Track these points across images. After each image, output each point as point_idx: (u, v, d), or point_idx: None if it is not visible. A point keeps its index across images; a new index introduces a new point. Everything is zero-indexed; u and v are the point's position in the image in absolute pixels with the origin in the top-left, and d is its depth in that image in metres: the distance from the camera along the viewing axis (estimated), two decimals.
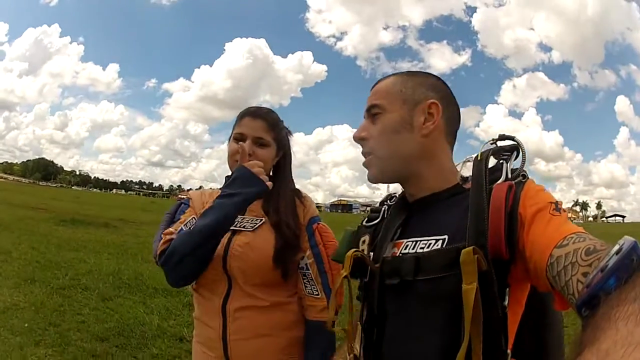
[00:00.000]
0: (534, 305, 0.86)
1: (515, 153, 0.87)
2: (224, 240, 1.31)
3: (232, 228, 1.33)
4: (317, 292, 1.35)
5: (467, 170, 0.95)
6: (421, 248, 0.88)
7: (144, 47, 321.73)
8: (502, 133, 0.92)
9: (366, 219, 1.10)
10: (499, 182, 0.82)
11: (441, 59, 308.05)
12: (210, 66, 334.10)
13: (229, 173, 1.38)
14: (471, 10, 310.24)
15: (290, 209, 1.39)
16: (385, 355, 0.91)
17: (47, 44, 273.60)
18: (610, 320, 0.39)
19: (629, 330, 0.36)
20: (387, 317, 0.92)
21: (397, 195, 1.07)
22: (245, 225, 1.36)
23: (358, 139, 1.00)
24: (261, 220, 1.36)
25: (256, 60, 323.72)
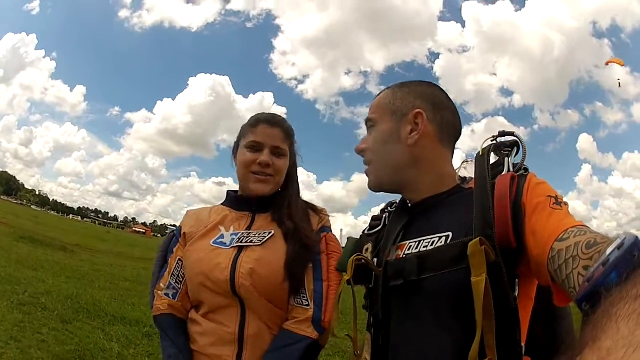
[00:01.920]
0: (543, 299, 0.78)
1: (515, 149, 0.83)
2: (230, 259, 1.14)
3: (238, 244, 1.17)
4: (307, 302, 1.14)
5: (466, 172, 0.92)
6: (425, 247, 0.83)
7: (112, 73, 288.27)
8: (501, 130, 0.87)
9: (368, 227, 1.04)
10: (501, 175, 0.78)
11: None
12: (173, 100, 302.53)
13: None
14: (434, 56, 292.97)
15: (305, 218, 1.24)
16: (395, 359, 0.85)
17: (23, 53, 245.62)
18: (612, 318, 0.36)
19: (630, 330, 0.33)
20: (394, 321, 0.86)
21: (397, 202, 1.02)
22: (252, 240, 1.18)
23: (358, 150, 0.98)
24: (270, 232, 1.19)
25: (218, 98, 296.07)
